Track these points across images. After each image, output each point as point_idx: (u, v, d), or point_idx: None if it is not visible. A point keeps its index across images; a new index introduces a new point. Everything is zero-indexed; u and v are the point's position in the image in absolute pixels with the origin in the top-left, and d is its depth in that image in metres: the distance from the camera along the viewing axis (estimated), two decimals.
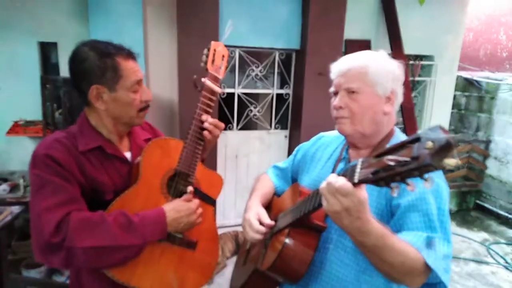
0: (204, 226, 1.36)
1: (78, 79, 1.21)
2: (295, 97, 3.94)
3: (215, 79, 1.38)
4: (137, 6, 3.23)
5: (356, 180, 0.79)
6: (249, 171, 4.01)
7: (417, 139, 0.68)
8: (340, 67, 1.18)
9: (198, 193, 1.36)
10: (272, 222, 1.24)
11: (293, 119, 3.99)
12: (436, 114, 4.59)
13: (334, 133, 1.37)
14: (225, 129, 3.82)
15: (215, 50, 1.40)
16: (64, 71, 3.36)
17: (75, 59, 1.20)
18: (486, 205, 5.14)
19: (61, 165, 1.13)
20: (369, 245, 0.91)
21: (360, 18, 3.93)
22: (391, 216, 1.07)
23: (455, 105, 5.57)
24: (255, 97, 3.98)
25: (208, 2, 3.22)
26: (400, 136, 1.19)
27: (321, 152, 1.37)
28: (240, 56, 3.69)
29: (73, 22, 3.34)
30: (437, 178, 1.05)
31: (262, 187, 1.47)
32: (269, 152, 4.09)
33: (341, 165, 1.24)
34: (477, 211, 5.18)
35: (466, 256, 3.89)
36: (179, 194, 1.33)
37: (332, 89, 1.21)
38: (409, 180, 0.69)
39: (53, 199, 1.09)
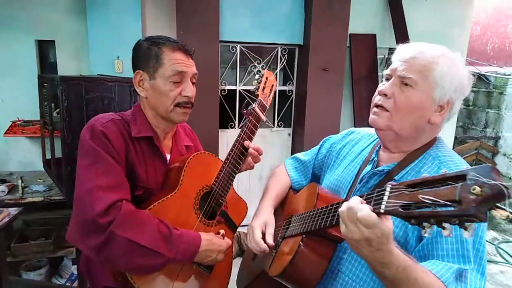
0: None
1: (132, 67, 1.26)
2: (298, 93, 3.86)
3: (263, 108, 1.39)
4: (135, 1, 3.16)
5: (382, 211, 0.70)
6: (251, 171, 3.93)
7: (462, 177, 0.58)
8: (406, 51, 1.01)
9: (224, 216, 1.36)
10: (272, 244, 1.19)
11: (297, 116, 3.91)
12: None
13: (367, 130, 1.27)
14: (226, 127, 3.75)
15: (266, 79, 1.42)
16: (62, 69, 3.30)
17: (133, 48, 1.26)
18: None
19: (114, 147, 1.15)
20: (389, 277, 0.82)
21: (365, 12, 3.84)
22: (418, 239, 0.95)
23: (463, 100, 5.43)
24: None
25: None
26: (441, 150, 1.04)
27: (348, 149, 1.27)
28: (242, 52, 3.61)
29: (71, 19, 3.27)
30: None
31: (276, 185, 1.40)
32: (272, 150, 4.01)
33: (368, 168, 1.12)
34: None
35: None
36: (209, 213, 1.32)
37: (387, 72, 1.05)
38: (445, 224, 0.59)
39: (108, 179, 1.10)
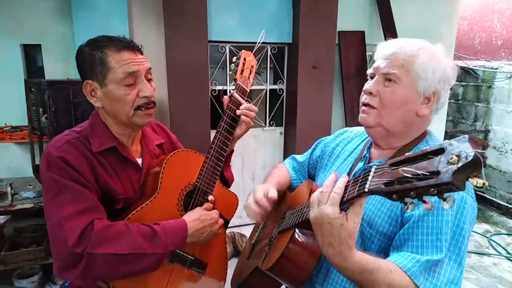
0: (215, 247, 1.30)
1: (80, 76, 1.16)
2: (289, 92, 3.85)
3: (243, 92, 1.30)
4: (122, 2, 3.13)
5: (366, 190, 0.70)
6: (244, 170, 3.93)
7: (442, 150, 0.59)
8: (386, 48, 1.03)
9: None
10: (274, 196, 1.18)
11: (288, 115, 3.91)
12: None
13: (359, 128, 1.28)
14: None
15: (244, 60, 1.32)
16: (49, 73, 3.26)
17: (76, 56, 1.16)
18: (486, 195, 5.09)
19: (76, 170, 1.07)
20: (348, 278, 0.86)
21: (353, 9, 3.85)
22: (402, 226, 0.96)
23: (453, 95, 5.50)
24: (248, 93, 3.86)
25: None
26: (432, 141, 1.06)
27: (341, 148, 1.28)
28: (231, 52, 3.59)
29: (57, 22, 3.24)
30: (463, 191, 0.93)
31: (279, 174, 1.40)
32: (264, 150, 4.00)
33: (360, 165, 1.14)
34: (477, 202, 5.09)
35: (468, 249, 3.83)
36: None
37: (369, 71, 1.07)
38: (426, 198, 0.60)
39: (74, 207, 1.03)
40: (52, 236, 1.05)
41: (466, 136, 0.58)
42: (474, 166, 0.54)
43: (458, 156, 0.55)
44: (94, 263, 1.01)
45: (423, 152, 0.63)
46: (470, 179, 0.55)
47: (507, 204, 4.79)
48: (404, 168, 0.63)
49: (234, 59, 1.32)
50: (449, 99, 5.05)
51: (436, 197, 0.58)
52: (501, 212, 4.82)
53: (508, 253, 3.79)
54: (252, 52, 1.35)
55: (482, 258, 3.70)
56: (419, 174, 0.60)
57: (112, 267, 1.04)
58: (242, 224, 3.71)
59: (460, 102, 5.47)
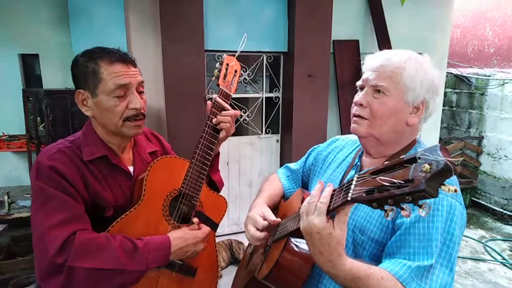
0: (205, 252, 1.31)
1: (74, 85, 1.20)
2: (285, 100, 3.89)
3: (226, 97, 1.32)
4: (119, 12, 3.16)
5: (349, 198, 0.73)
6: (240, 178, 3.94)
7: (415, 159, 0.62)
8: (374, 60, 1.06)
9: (201, 217, 1.31)
10: (278, 219, 1.17)
11: (284, 122, 3.94)
12: None
13: (351, 136, 1.30)
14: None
15: (227, 65, 1.34)
16: (47, 83, 3.27)
17: (71, 66, 1.19)
18: (481, 201, 5.13)
19: (66, 180, 1.09)
20: (341, 284, 0.87)
21: (347, 19, 3.90)
22: (393, 233, 0.98)
23: (446, 102, 5.56)
24: (245, 101, 3.92)
25: (192, 6, 3.17)
26: (420, 149, 1.09)
27: (333, 156, 1.30)
28: None
29: (54, 32, 3.25)
30: (453, 198, 0.95)
31: (269, 188, 1.41)
32: (260, 157, 4.03)
33: (351, 173, 1.16)
34: (472, 208, 5.16)
35: (464, 255, 3.87)
36: (181, 217, 1.27)
37: (359, 83, 1.10)
38: (404, 205, 0.63)
39: (58, 216, 1.05)
40: (35, 247, 1.06)
41: (438, 145, 0.61)
42: (445, 173, 0.57)
43: (430, 164, 0.58)
44: (75, 276, 1.02)
45: (399, 161, 0.66)
46: (442, 186, 0.58)
47: (501, 210, 4.82)
48: (382, 177, 0.65)
49: (217, 64, 1.35)
50: (443, 106, 5.09)
51: (412, 204, 0.61)
52: (496, 218, 4.85)
53: (504, 258, 3.81)
54: (235, 57, 1.37)
55: (478, 264, 3.71)
56: (395, 183, 0.62)
57: (93, 281, 1.04)
58: (240, 232, 3.72)
59: (454, 109, 5.53)
